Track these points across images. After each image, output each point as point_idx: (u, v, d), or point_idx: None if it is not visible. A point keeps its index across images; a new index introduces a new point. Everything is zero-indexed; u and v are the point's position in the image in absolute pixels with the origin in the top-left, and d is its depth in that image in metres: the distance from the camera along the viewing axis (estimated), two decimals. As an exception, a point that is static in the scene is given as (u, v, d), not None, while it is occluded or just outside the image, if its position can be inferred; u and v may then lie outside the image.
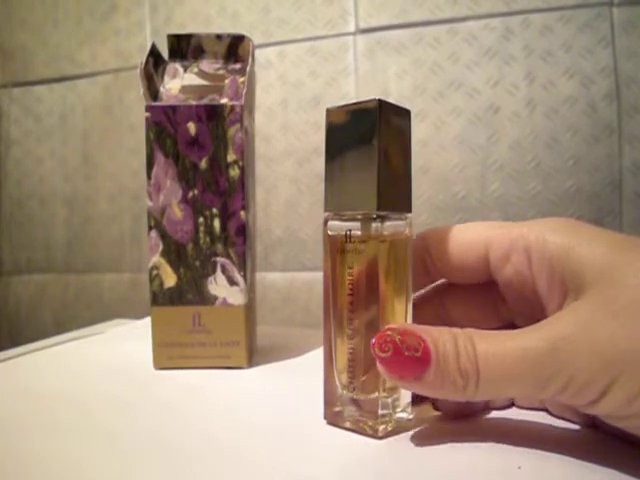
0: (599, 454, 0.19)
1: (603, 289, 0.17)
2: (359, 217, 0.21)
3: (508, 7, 0.49)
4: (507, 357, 0.18)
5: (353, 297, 0.21)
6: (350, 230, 0.21)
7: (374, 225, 0.20)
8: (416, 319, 0.22)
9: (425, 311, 0.24)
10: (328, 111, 0.22)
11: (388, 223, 0.21)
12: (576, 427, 0.21)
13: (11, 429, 0.23)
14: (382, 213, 0.21)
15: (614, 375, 0.16)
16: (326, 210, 0.22)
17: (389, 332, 0.19)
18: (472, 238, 0.22)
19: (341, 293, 0.21)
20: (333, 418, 0.22)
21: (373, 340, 0.19)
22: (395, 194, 0.21)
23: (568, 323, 0.17)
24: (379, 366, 0.19)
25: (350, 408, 0.22)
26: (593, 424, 0.21)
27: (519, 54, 0.48)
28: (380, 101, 0.20)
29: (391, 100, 0.21)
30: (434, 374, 0.18)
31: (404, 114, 0.22)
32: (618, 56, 0.46)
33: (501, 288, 0.22)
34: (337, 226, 0.22)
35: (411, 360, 0.18)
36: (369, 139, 0.20)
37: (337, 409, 0.22)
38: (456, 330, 0.19)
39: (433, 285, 0.25)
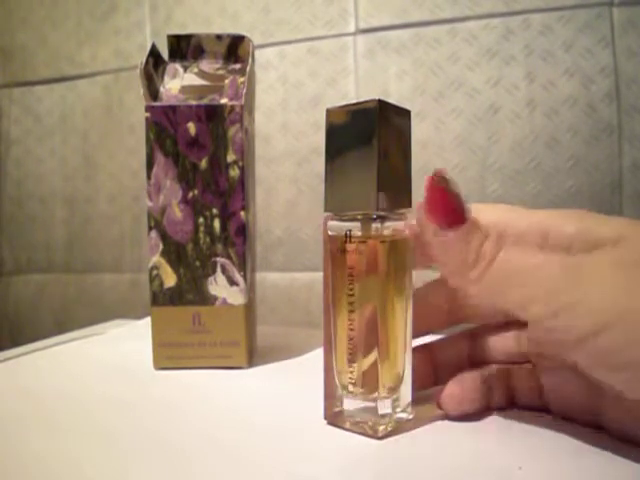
0: (600, 454, 0.19)
1: (626, 243, 0.18)
2: (359, 217, 0.21)
3: (508, 7, 0.49)
4: (526, 260, 0.18)
5: (353, 297, 0.21)
6: (350, 230, 0.21)
7: (374, 225, 0.20)
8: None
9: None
10: (328, 111, 0.22)
11: (388, 223, 0.21)
12: (577, 427, 0.21)
13: (11, 429, 0.23)
14: (382, 213, 0.21)
15: (620, 312, 0.16)
16: (326, 210, 0.22)
17: (451, 181, 0.20)
18: (487, 219, 0.22)
19: (341, 293, 0.21)
20: (333, 418, 0.22)
21: (436, 171, 0.19)
22: (395, 194, 0.21)
23: (594, 256, 0.18)
24: (422, 201, 0.20)
25: (350, 409, 0.22)
26: (595, 424, 0.21)
27: (519, 54, 0.48)
28: (380, 101, 0.20)
29: (391, 100, 0.21)
30: (460, 234, 0.19)
31: (404, 114, 0.22)
32: (618, 56, 0.46)
33: None
34: (337, 226, 0.22)
35: (452, 208, 0.19)
36: (369, 139, 0.20)
37: (337, 409, 0.22)
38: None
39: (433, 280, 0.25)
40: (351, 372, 0.21)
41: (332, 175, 0.22)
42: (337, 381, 0.22)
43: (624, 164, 0.46)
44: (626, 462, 0.18)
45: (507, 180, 0.49)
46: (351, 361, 0.21)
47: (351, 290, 0.21)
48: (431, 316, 0.25)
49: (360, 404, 0.21)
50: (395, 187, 0.21)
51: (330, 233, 0.22)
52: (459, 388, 0.22)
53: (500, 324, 0.24)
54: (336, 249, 0.22)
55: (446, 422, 0.22)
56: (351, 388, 0.21)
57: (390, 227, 0.21)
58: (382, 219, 0.21)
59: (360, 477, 0.19)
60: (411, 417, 0.22)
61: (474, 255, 0.19)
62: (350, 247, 0.21)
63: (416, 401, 0.22)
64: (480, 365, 0.24)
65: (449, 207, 0.19)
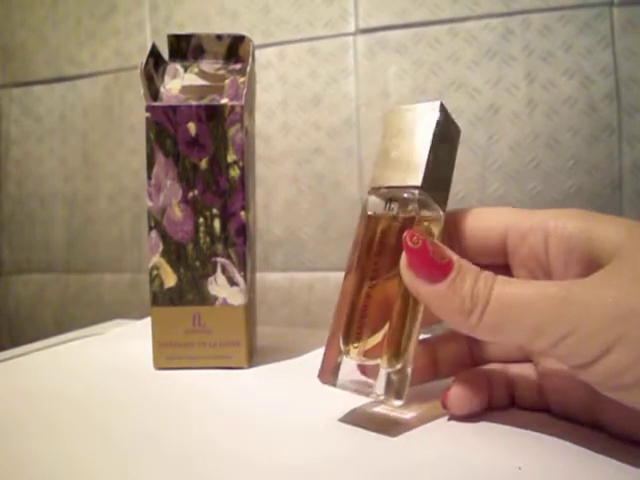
0: (600, 454, 0.19)
1: (620, 259, 0.18)
2: (400, 196, 0.22)
3: (508, 7, 0.49)
4: (520, 294, 0.18)
5: (378, 261, 0.22)
6: (391, 201, 0.22)
7: (412, 206, 0.21)
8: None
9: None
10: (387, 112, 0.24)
11: (425, 212, 0.22)
12: (577, 427, 0.21)
13: (11, 429, 0.23)
14: (423, 197, 0.21)
15: (619, 334, 0.16)
16: (371, 185, 0.23)
17: (423, 233, 0.20)
18: (492, 220, 0.23)
19: (367, 263, 0.22)
20: (328, 378, 0.22)
21: (407, 231, 0.20)
22: (438, 187, 0.22)
23: (580, 284, 0.18)
24: (403, 258, 0.20)
25: (348, 373, 0.21)
26: (595, 424, 0.21)
27: (519, 54, 0.48)
28: (442, 104, 0.22)
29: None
30: (449, 285, 0.19)
31: (458, 130, 0.24)
32: (618, 56, 0.46)
33: (514, 272, 0.23)
34: (377, 202, 0.22)
35: (434, 263, 0.19)
36: (431, 127, 0.22)
37: (334, 365, 0.22)
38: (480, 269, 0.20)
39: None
40: (359, 333, 0.21)
41: (386, 152, 0.23)
42: (341, 344, 0.22)
43: (624, 164, 0.46)
44: (626, 462, 0.18)
45: (507, 180, 0.49)
46: (359, 333, 0.21)
47: (376, 264, 0.22)
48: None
49: (359, 375, 0.21)
50: (438, 183, 0.22)
51: (369, 207, 0.23)
52: (465, 388, 0.22)
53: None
54: (372, 220, 0.22)
55: (446, 421, 0.22)
56: (354, 354, 0.21)
57: (425, 214, 0.22)
58: (421, 204, 0.21)
59: (361, 477, 0.19)
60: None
61: (469, 303, 0.19)
62: (387, 215, 0.22)
63: (418, 399, 0.22)
64: (480, 362, 0.25)
65: (431, 264, 0.19)
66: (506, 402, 0.23)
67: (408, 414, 0.22)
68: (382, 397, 0.21)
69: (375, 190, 0.23)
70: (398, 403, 0.21)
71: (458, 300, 0.19)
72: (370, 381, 0.21)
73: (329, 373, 0.22)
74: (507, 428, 0.22)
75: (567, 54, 0.47)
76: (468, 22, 0.50)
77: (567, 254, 0.20)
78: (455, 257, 0.20)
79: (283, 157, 0.56)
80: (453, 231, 0.23)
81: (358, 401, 0.23)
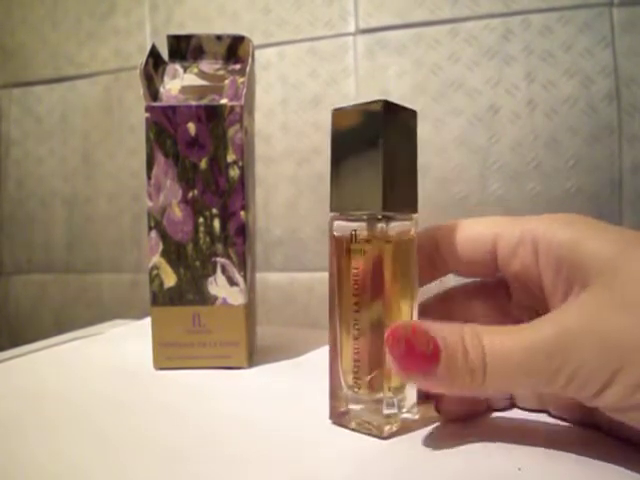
0: (600, 455, 0.19)
1: (608, 282, 0.17)
2: (365, 217, 0.21)
3: (508, 7, 0.48)
4: (514, 350, 0.18)
5: (359, 297, 0.21)
6: (356, 230, 0.21)
7: (379, 225, 0.20)
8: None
9: (433, 315, 0.24)
10: (334, 112, 0.22)
11: (394, 224, 0.21)
12: (577, 428, 0.21)
13: (10, 429, 0.23)
14: (388, 214, 0.21)
15: (619, 364, 0.16)
16: (332, 210, 0.22)
17: (401, 329, 0.19)
18: (481, 232, 0.22)
19: (346, 293, 0.21)
20: (338, 418, 0.22)
21: (386, 336, 0.19)
22: (401, 194, 0.21)
23: (574, 314, 0.18)
24: (391, 363, 0.19)
25: (355, 408, 0.22)
26: (594, 425, 0.21)
27: (519, 54, 0.48)
28: (386, 102, 0.20)
29: (392, 100, 0.21)
30: (443, 371, 0.18)
31: (410, 115, 0.22)
32: (618, 56, 0.46)
33: (508, 283, 0.22)
34: (343, 226, 0.22)
35: (422, 356, 0.18)
36: (374, 140, 0.20)
37: (342, 409, 0.22)
38: (463, 326, 0.19)
39: (441, 292, 0.25)
40: (357, 372, 0.21)
41: (338, 175, 0.22)
42: (342, 381, 0.22)
43: (624, 164, 0.46)
44: (625, 463, 0.18)
45: (507, 180, 0.49)
46: (357, 361, 0.21)
47: (357, 290, 0.21)
48: None
49: (365, 405, 0.21)
50: (401, 188, 0.21)
51: (335, 234, 0.22)
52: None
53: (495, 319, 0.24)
54: (342, 249, 0.22)
55: (448, 423, 0.22)
56: (356, 389, 0.21)
57: (396, 227, 0.21)
58: (387, 219, 0.21)
59: (362, 477, 0.19)
60: (417, 417, 0.22)
61: (468, 376, 0.18)
62: (356, 247, 0.21)
63: (420, 401, 0.22)
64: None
65: (421, 360, 0.19)
66: (506, 404, 0.23)
67: (413, 415, 0.22)
68: (394, 426, 0.21)
69: (338, 216, 0.22)
70: (414, 417, 0.22)
71: (458, 378, 0.18)
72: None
73: (337, 412, 0.22)
74: (507, 428, 0.22)
75: (567, 54, 0.47)
76: (468, 22, 0.50)
77: (556, 266, 0.20)
78: (438, 335, 0.19)
79: (283, 157, 0.56)
80: (441, 247, 0.23)
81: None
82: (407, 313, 0.21)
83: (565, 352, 0.17)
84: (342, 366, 0.22)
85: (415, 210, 0.22)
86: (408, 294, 0.21)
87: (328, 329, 0.22)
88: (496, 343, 0.18)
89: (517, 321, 0.23)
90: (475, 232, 0.22)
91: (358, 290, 0.21)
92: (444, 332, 0.19)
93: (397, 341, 0.19)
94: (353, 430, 0.22)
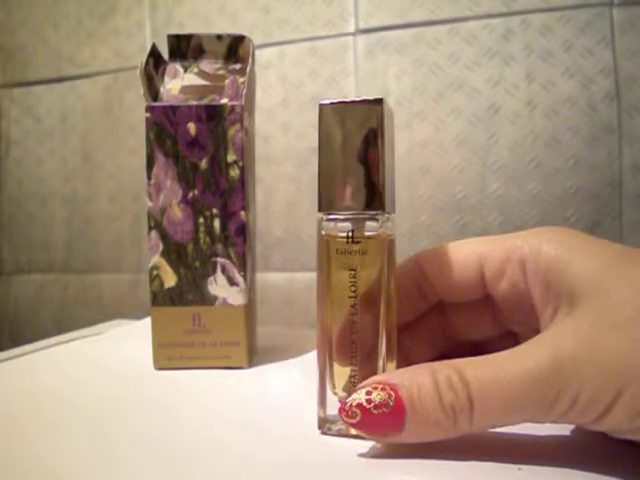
0: (600, 455, 0.19)
1: (599, 301, 0.17)
2: (351, 217, 0.21)
3: (508, 7, 0.48)
4: (506, 381, 0.17)
5: (356, 299, 0.21)
6: (353, 230, 0.21)
7: (365, 224, 0.21)
8: (414, 337, 0.23)
9: (423, 329, 0.24)
10: (321, 108, 0.21)
11: (371, 223, 0.21)
12: (577, 428, 0.21)
13: (10, 430, 0.23)
14: (375, 213, 0.21)
15: (619, 388, 0.16)
16: (320, 211, 0.22)
17: (355, 395, 0.18)
18: (466, 256, 0.22)
19: (337, 295, 0.21)
20: (324, 426, 0.22)
21: (339, 407, 0.19)
22: (381, 193, 0.21)
23: (569, 339, 0.17)
24: (355, 427, 0.18)
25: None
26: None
27: (519, 54, 0.48)
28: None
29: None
30: (413, 422, 0.17)
31: (389, 115, 0.21)
32: (618, 56, 0.46)
33: (498, 301, 0.22)
34: (333, 227, 0.21)
35: (383, 417, 0.17)
36: (366, 138, 0.20)
37: (331, 425, 0.22)
38: (435, 365, 0.18)
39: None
40: (353, 376, 0.21)
41: (327, 174, 0.22)
42: (330, 386, 0.21)
43: (624, 164, 0.46)
44: (625, 463, 0.18)
45: (507, 180, 0.49)
46: (354, 364, 0.21)
47: (354, 292, 0.21)
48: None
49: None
50: (381, 186, 0.21)
51: (323, 233, 0.22)
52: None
53: (475, 302, 0.23)
54: (336, 250, 0.21)
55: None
56: (340, 392, 0.21)
57: (372, 228, 0.21)
58: (370, 219, 0.21)
59: (361, 477, 0.19)
60: None
61: (444, 418, 0.17)
62: (353, 248, 0.21)
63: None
64: (453, 341, 0.24)
65: (383, 422, 0.18)
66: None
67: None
68: None
69: (325, 217, 0.22)
70: None
71: (433, 425, 0.17)
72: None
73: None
74: (507, 428, 0.22)
75: (567, 54, 0.47)
76: (468, 22, 0.50)
77: (544, 284, 0.20)
78: (401, 386, 0.17)
79: (283, 157, 0.56)
80: (428, 272, 0.23)
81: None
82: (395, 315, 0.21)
83: (564, 377, 0.16)
84: (335, 370, 0.21)
85: (393, 209, 0.22)
86: (392, 295, 0.21)
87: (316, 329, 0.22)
88: (486, 377, 0.17)
89: (507, 329, 0.23)
90: (461, 254, 0.22)
91: (356, 292, 0.21)
92: (410, 379, 0.18)
93: (350, 412, 0.18)
94: (337, 436, 0.21)
